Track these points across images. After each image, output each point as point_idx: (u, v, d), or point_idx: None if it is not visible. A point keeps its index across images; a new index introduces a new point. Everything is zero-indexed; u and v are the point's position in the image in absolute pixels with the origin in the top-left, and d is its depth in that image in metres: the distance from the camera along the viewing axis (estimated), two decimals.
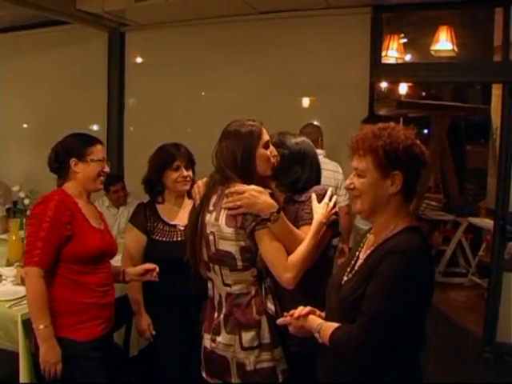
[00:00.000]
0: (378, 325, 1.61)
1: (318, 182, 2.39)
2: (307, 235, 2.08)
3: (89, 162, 2.48)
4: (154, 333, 2.79)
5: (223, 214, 2.09)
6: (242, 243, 2.07)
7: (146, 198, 4.83)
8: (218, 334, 2.15)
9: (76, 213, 2.44)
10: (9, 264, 3.44)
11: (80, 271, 2.42)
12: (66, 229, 2.37)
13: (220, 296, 2.19)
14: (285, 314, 1.92)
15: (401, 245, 1.64)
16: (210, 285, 2.25)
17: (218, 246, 2.10)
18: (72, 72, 6.05)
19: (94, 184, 2.55)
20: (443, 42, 4.78)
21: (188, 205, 2.77)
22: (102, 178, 2.56)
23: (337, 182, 4.09)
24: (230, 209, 2.07)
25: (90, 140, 2.54)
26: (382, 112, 7.14)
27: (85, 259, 2.42)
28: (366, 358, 1.66)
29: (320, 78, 4.85)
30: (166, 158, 2.85)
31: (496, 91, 5.54)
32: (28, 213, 3.68)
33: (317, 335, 1.77)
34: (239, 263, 2.09)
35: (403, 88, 7.55)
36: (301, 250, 2.04)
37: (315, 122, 5.00)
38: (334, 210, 2.20)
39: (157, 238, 2.82)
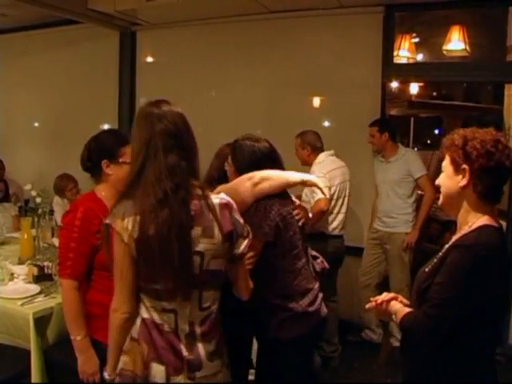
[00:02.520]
0: (439, 312, 1.73)
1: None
2: None
3: (121, 163, 2.36)
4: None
5: (218, 227, 1.85)
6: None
7: None
8: (199, 369, 1.85)
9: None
10: (20, 262, 3.45)
11: (112, 277, 2.25)
12: (96, 238, 2.26)
13: (191, 325, 1.85)
14: (371, 299, 2.05)
15: (468, 240, 1.75)
16: (166, 318, 1.83)
17: (208, 267, 1.84)
18: (83, 71, 6.08)
19: None
20: (455, 42, 4.74)
21: None
22: None
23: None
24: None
25: (122, 139, 2.42)
26: (393, 112, 7.13)
27: None
28: (425, 343, 1.80)
29: (331, 78, 4.84)
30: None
31: (508, 91, 5.48)
32: (39, 211, 3.71)
33: (394, 318, 1.92)
34: (223, 278, 1.94)
35: (414, 88, 7.51)
36: None
37: (326, 123, 5.01)
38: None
39: None
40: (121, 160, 2.37)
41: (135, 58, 5.85)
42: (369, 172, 4.61)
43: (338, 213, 4.13)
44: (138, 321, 1.85)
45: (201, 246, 1.80)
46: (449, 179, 1.85)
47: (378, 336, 4.53)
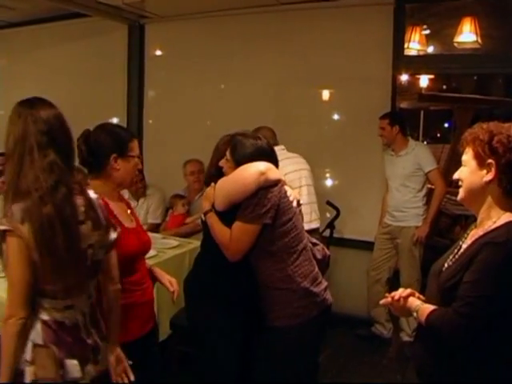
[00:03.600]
0: (471, 310, 1.71)
1: None
2: None
3: (129, 158, 2.32)
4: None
5: (102, 219, 1.97)
6: None
7: (166, 190, 4.83)
8: (99, 352, 1.94)
9: (111, 217, 2.21)
10: None
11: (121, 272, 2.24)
12: None
13: (84, 314, 1.92)
14: (386, 294, 2.01)
15: (500, 236, 1.73)
16: (68, 314, 1.86)
17: (96, 257, 1.94)
18: (92, 65, 6.06)
19: (131, 181, 2.44)
20: (467, 34, 4.68)
21: None
22: (137, 174, 2.45)
23: None
24: None
25: (130, 134, 2.40)
26: (403, 105, 7.06)
27: (123, 263, 2.22)
28: (458, 341, 1.77)
29: (341, 70, 4.79)
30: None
31: None
32: None
33: (415, 315, 1.89)
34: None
35: (424, 81, 7.44)
36: None
37: (336, 117, 4.97)
38: None
39: None
40: (129, 154, 2.33)
41: (144, 51, 5.82)
42: (378, 166, 4.57)
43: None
44: (38, 325, 1.82)
45: (92, 239, 1.89)
46: (472, 174, 1.83)
47: (388, 331, 4.50)
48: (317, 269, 2.51)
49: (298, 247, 2.43)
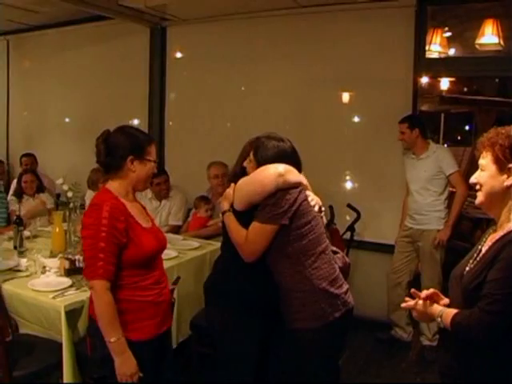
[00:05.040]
0: (498, 307, 1.72)
1: None
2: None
3: (146, 161, 2.36)
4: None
5: None
6: None
7: (188, 191, 4.86)
8: None
9: (128, 217, 2.31)
10: (52, 255, 3.51)
11: (137, 274, 2.33)
12: (123, 236, 2.25)
13: None
14: (406, 298, 2.03)
15: None
16: None
17: None
18: (114, 67, 6.14)
19: (145, 184, 2.47)
20: (489, 36, 4.64)
21: None
22: (151, 178, 2.48)
23: None
24: None
25: (148, 138, 2.43)
26: (424, 108, 7.01)
27: (142, 263, 2.32)
28: (486, 339, 1.76)
29: (362, 73, 4.78)
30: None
31: None
32: (71, 205, 3.75)
33: (438, 320, 1.89)
34: None
35: (445, 83, 7.38)
36: None
37: (357, 119, 4.95)
38: None
39: None
40: (146, 157, 2.37)
41: (165, 53, 5.87)
42: (399, 169, 4.55)
43: None
44: None
45: None
46: (491, 178, 1.84)
47: (408, 334, 4.47)
48: (338, 271, 2.50)
49: (315, 250, 2.42)
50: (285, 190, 2.38)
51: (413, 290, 2.03)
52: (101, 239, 2.18)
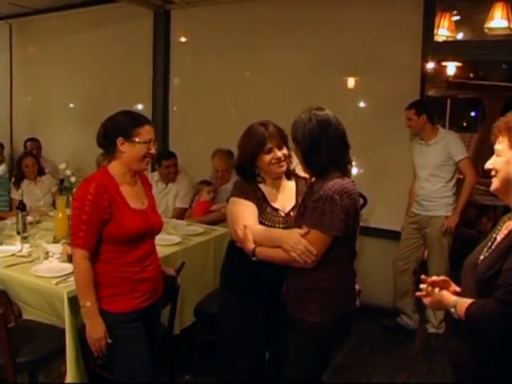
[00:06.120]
0: None
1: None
2: None
3: (135, 143, 2.46)
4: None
5: None
6: None
7: (193, 176, 4.81)
8: None
9: (115, 195, 2.46)
10: (55, 241, 3.49)
11: (117, 250, 2.47)
12: (106, 212, 2.41)
13: None
14: (421, 286, 1.97)
15: None
16: None
17: None
18: (118, 51, 6.07)
19: (139, 165, 2.54)
20: (498, 20, 4.55)
21: (288, 187, 2.63)
22: (147, 159, 2.54)
23: None
24: None
25: (138, 120, 2.51)
26: (431, 93, 6.92)
27: (122, 240, 2.46)
28: (502, 329, 1.73)
29: (369, 58, 4.69)
30: (256, 141, 2.51)
31: None
32: (74, 190, 3.72)
33: (452, 310, 1.85)
34: None
35: (451, 68, 7.29)
36: None
37: (363, 104, 4.89)
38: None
39: (262, 220, 2.50)
40: (135, 139, 2.45)
41: (169, 37, 5.79)
42: (406, 154, 4.49)
43: None
44: None
45: None
46: (508, 164, 1.78)
47: (414, 322, 4.44)
48: (351, 271, 2.47)
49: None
50: None
51: (423, 276, 1.99)
52: (84, 212, 2.38)
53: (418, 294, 1.99)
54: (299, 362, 2.41)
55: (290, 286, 2.40)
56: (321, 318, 2.30)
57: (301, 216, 2.34)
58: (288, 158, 2.55)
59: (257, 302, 2.57)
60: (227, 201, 2.63)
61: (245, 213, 2.47)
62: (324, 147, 2.29)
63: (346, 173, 2.34)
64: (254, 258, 2.36)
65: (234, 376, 2.70)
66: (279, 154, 2.51)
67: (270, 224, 2.47)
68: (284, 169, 2.55)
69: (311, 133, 2.30)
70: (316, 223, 2.21)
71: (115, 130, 2.47)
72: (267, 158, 2.50)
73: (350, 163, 2.44)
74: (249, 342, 2.63)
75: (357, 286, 2.50)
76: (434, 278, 1.94)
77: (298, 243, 2.20)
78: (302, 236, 2.22)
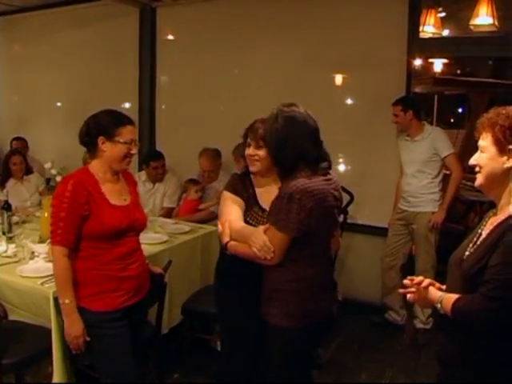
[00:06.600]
0: (502, 292, 1.69)
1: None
2: None
3: (116, 142, 2.48)
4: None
5: None
6: None
7: (180, 174, 4.79)
8: None
9: (94, 192, 2.47)
10: (41, 241, 3.46)
11: (98, 247, 2.48)
12: (84, 208, 2.42)
13: None
14: (404, 281, 1.98)
15: None
16: None
17: None
18: (103, 49, 6.04)
19: (120, 164, 2.55)
20: (483, 17, 4.56)
21: (273, 187, 2.45)
22: (128, 159, 2.55)
23: None
24: None
25: (120, 120, 2.52)
26: (418, 89, 6.94)
27: (102, 236, 2.47)
28: (488, 324, 1.74)
29: (354, 55, 4.70)
30: (244, 133, 2.55)
31: None
32: None
33: (438, 306, 1.86)
34: None
35: (438, 65, 7.31)
36: None
37: (350, 101, 4.89)
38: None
39: (247, 219, 2.47)
40: (116, 139, 2.47)
41: (155, 35, 5.76)
42: (393, 151, 4.50)
43: None
44: None
45: None
46: (491, 160, 1.80)
47: (402, 317, 4.46)
48: (329, 277, 2.45)
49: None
50: None
51: (409, 278, 1.99)
52: (62, 209, 2.40)
53: (402, 290, 2.00)
54: (278, 365, 2.39)
55: (262, 286, 2.39)
56: (289, 322, 2.28)
57: (268, 214, 2.34)
58: (262, 160, 2.44)
59: (255, 294, 2.50)
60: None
61: (230, 208, 2.46)
62: (290, 144, 2.26)
63: (317, 170, 2.29)
64: (226, 252, 2.39)
65: (236, 363, 2.66)
66: (250, 151, 2.46)
67: (253, 223, 2.43)
68: (254, 168, 2.47)
69: (277, 131, 2.29)
70: (272, 221, 2.23)
71: (97, 128, 2.49)
72: (246, 151, 2.49)
73: (326, 159, 2.37)
74: (250, 327, 2.56)
75: (339, 297, 2.47)
76: (420, 278, 1.94)
77: (259, 238, 2.22)
78: (264, 232, 2.23)
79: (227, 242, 2.36)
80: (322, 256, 2.38)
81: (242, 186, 2.52)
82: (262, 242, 2.21)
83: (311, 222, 2.21)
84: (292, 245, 2.24)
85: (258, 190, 2.52)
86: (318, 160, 2.31)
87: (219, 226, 2.43)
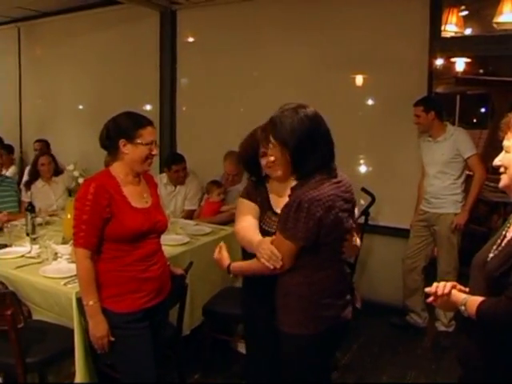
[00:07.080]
0: None
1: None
2: None
3: (137, 144, 2.49)
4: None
5: None
6: None
7: (202, 176, 4.79)
8: None
9: (115, 195, 2.48)
10: (64, 242, 3.50)
11: (119, 249, 2.50)
12: (106, 211, 2.44)
13: None
14: (426, 290, 1.92)
15: None
16: None
17: None
18: (124, 52, 6.10)
19: (141, 166, 2.56)
20: (507, 14, 4.51)
21: (287, 191, 2.36)
22: (150, 160, 2.56)
23: None
24: None
25: (141, 122, 2.53)
26: (440, 90, 6.89)
27: (124, 239, 2.49)
28: None
29: (376, 54, 4.67)
30: (252, 146, 2.47)
31: None
32: None
33: (462, 308, 1.82)
34: None
35: (460, 65, 7.24)
36: None
37: (370, 102, 4.86)
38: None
39: (260, 224, 2.42)
40: (137, 141, 2.48)
41: (176, 37, 5.80)
42: (414, 152, 4.47)
43: None
44: None
45: None
46: None
47: (423, 320, 4.42)
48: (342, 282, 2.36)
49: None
50: None
51: (432, 290, 1.90)
52: (85, 212, 2.42)
53: (430, 300, 1.93)
54: (294, 372, 2.36)
55: (276, 293, 2.33)
56: (299, 329, 2.23)
57: (278, 220, 2.26)
58: (278, 159, 2.31)
59: None
60: None
61: (244, 213, 2.45)
62: (319, 145, 2.21)
63: (331, 172, 2.24)
64: (230, 275, 2.40)
65: (259, 367, 2.63)
66: (269, 159, 2.32)
67: (267, 228, 2.37)
68: (278, 173, 2.33)
69: (306, 131, 2.21)
70: (281, 229, 2.18)
71: (117, 131, 2.50)
72: (263, 161, 2.40)
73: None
74: (274, 332, 2.42)
75: (357, 304, 2.44)
76: (442, 287, 1.87)
77: (266, 249, 2.16)
78: (272, 241, 2.19)
79: (229, 266, 2.35)
80: (333, 261, 2.29)
81: (256, 191, 2.48)
82: (269, 252, 2.15)
83: (320, 231, 2.15)
84: (301, 251, 2.19)
85: (271, 195, 2.46)
86: (332, 161, 2.28)
87: (214, 255, 2.44)
